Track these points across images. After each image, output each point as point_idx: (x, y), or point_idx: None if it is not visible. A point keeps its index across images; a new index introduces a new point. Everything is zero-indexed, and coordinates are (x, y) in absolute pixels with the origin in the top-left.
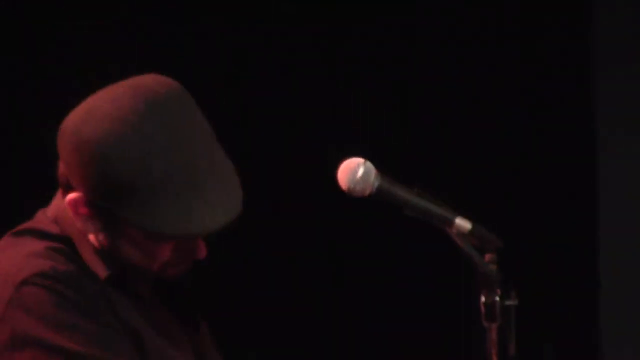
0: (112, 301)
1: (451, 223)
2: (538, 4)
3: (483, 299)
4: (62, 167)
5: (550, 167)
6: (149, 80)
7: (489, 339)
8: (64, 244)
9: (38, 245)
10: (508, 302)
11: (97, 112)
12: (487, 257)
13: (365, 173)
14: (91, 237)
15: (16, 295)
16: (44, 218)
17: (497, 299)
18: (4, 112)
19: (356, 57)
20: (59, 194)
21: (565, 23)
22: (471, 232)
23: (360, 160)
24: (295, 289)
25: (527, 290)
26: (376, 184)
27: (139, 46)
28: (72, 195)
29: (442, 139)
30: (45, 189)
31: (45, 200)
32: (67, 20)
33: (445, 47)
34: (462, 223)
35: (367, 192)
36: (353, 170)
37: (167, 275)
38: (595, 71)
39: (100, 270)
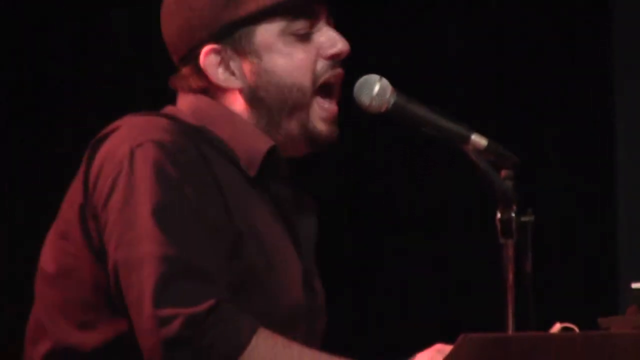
0: (241, 193)
1: (467, 139)
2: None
3: (499, 215)
4: (176, 57)
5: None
6: None
7: (505, 256)
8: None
9: (169, 123)
10: (524, 218)
11: None
12: (503, 173)
13: (382, 89)
14: (238, 90)
15: (128, 154)
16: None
17: (513, 215)
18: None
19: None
20: (180, 98)
21: (585, 26)
22: (487, 149)
23: (376, 76)
24: None
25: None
26: (392, 100)
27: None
28: (202, 54)
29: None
30: None
31: None
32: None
33: (465, 44)
34: (478, 139)
35: (384, 108)
36: (369, 87)
37: (326, 105)
38: (615, 70)
39: (262, 143)
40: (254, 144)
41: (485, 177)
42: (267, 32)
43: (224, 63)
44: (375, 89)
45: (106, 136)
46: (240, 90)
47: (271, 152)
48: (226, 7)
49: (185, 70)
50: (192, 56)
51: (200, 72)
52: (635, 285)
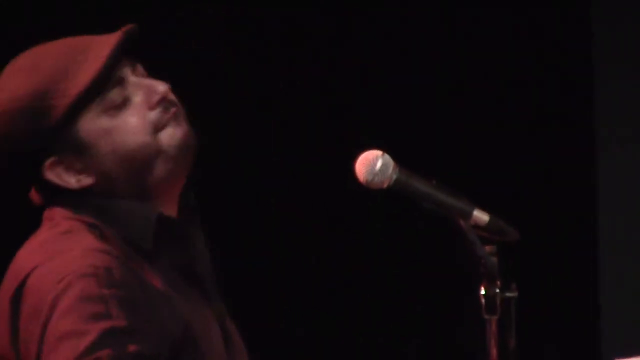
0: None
1: (469, 215)
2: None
3: (483, 291)
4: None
5: (550, 168)
6: None
7: (489, 332)
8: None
9: (91, 241)
10: (508, 294)
11: None
12: (488, 248)
13: (384, 165)
14: (94, 183)
15: (54, 297)
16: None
17: (497, 291)
18: None
19: (367, 54)
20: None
21: (565, 26)
22: (488, 224)
23: (378, 152)
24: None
25: (528, 290)
26: (394, 176)
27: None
28: (45, 171)
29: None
30: None
31: None
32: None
33: (452, 49)
34: (480, 215)
35: (385, 184)
36: (371, 162)
37: (173, 145)
38: (595, 74)
39: (146, 215)
40: (140, 221)
41: (471, 252)
42: (88, 122)
43: (70, 168)
44: (377, 164)
45: (24, 282)
46: (96, 183)
47: (159, 221)
48: (34, 128)
49: (35, 191)
50: (35, 179)
51: (50, 187)
52: None
